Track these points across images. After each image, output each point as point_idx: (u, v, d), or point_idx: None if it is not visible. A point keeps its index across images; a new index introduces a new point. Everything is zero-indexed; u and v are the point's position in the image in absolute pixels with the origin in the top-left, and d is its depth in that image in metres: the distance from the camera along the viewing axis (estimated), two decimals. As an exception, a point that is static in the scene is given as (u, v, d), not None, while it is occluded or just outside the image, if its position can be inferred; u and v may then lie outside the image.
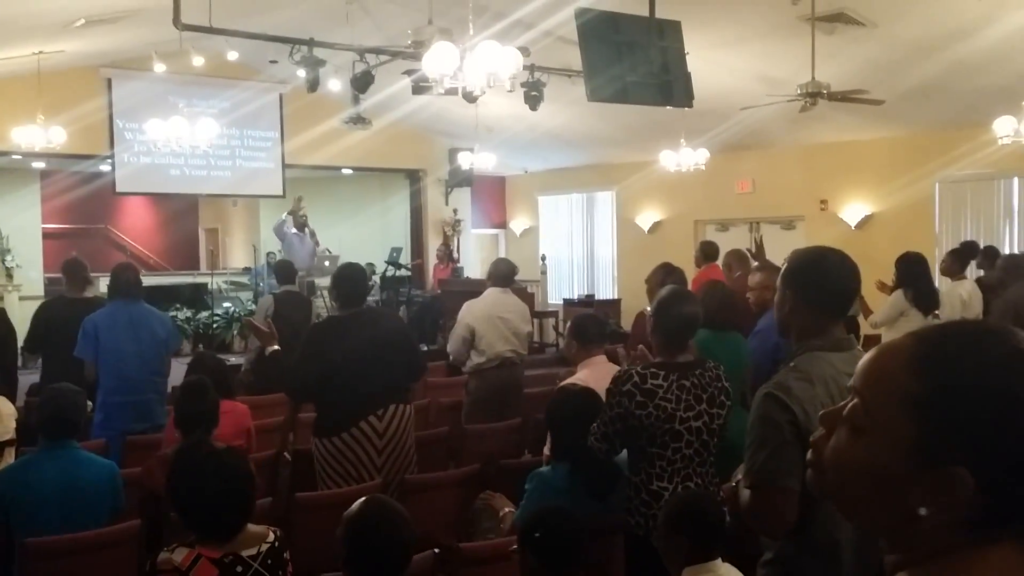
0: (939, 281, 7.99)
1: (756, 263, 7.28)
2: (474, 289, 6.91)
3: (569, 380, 4.33)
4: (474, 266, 16.08)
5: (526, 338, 6.78)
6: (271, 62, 11.51)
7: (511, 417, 6.19)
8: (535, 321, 12.18)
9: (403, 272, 14.20)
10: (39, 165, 14.79)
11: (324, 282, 13.88)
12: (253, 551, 2.75)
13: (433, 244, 15.96)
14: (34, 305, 7.39)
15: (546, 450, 4.34)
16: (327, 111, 12.37)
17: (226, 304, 14.66)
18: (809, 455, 1.12)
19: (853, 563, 2.25)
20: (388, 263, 13.71)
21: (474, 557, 3.53)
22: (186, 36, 8.38)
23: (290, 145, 13.94)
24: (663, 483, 3.40)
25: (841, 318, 2.49)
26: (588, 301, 13.87)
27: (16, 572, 3.64)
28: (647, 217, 15.15)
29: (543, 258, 16.13)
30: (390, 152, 14.63)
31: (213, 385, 4.45)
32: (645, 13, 7.07)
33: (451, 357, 6.70)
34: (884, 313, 6.86)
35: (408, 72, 8.69)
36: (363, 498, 2.79)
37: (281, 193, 14.24)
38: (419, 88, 8.63)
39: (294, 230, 13.17)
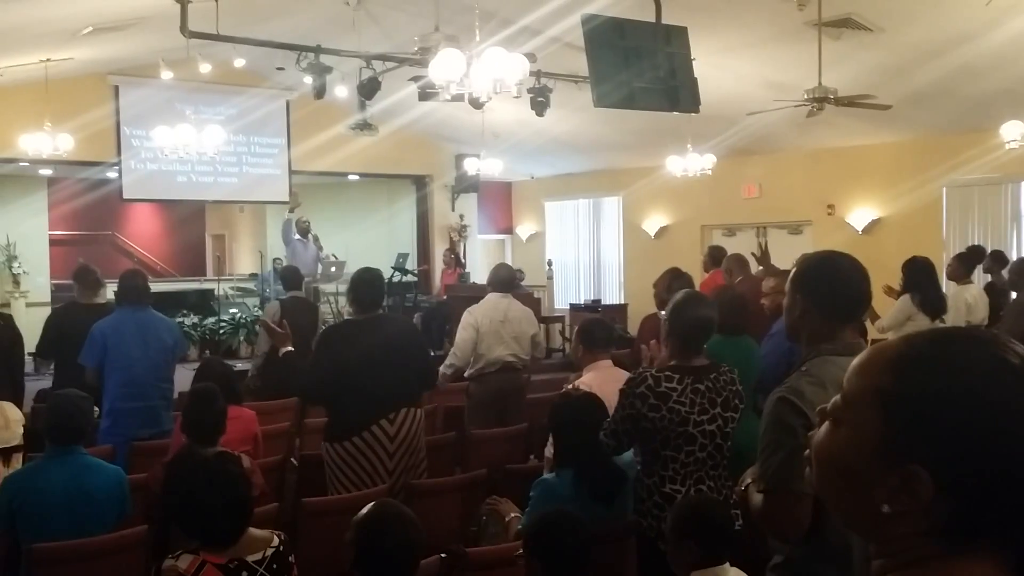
0: (946, 286, 7.96)
1: (761, 267, 7.28)
2: (480, 295, 6.90)
3: (574, 383, 4.32)
4: (480, 272, 16.07)
5: (531, 342, 6.75)
6: (278, 69, 11.53)
7: (512, 422, 6.19)
8: (541, 327, 12.17)
9: (409, 278, 14.19)
10: (46, 172, 14.81)
11: (330, 288, 13.96)
12: (258, 556, 2.75)
13: (439, 250, 15.96)
14: (41, 311, 7.42)
15: (547, 452, 4.34)
16: (334, 117, 12.39)
17: (233, 310, 14.67)
18: (806, 451, 1.13)
19: (862, 566, 2.23)
20: (394, 269, 13.72)
21: (481, 562, 3.52)
22: (193, 43, 8.40)
23: (297, 151, 13.96)
24: (676, 486, 3.41)
25: (851, 322, 2.48)
26: (595, 306, 13.87)
27: (23, 577, 3.64)
28: (654, 222, 15.14)
29: (549, 263, 16.12)
30: (396, 158, 14.64)
31: (220, 391, 4.45)
32: (652, 19, 7.08)
33: (455, 365, 6.63)
34: (891, 318, 6.84)
35: (415, 78, 8.69)
36: (373, 502, 2.79)
37: (287, 199, 14.27)
38: (425, 94, 8.64)
39: (297, 236, 13.19)
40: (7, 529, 3.84)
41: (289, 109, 13.80)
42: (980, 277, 8.88)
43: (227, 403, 4.46)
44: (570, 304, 15.01)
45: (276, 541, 2.84)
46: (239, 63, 10.60)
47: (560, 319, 14.48)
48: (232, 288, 16.14)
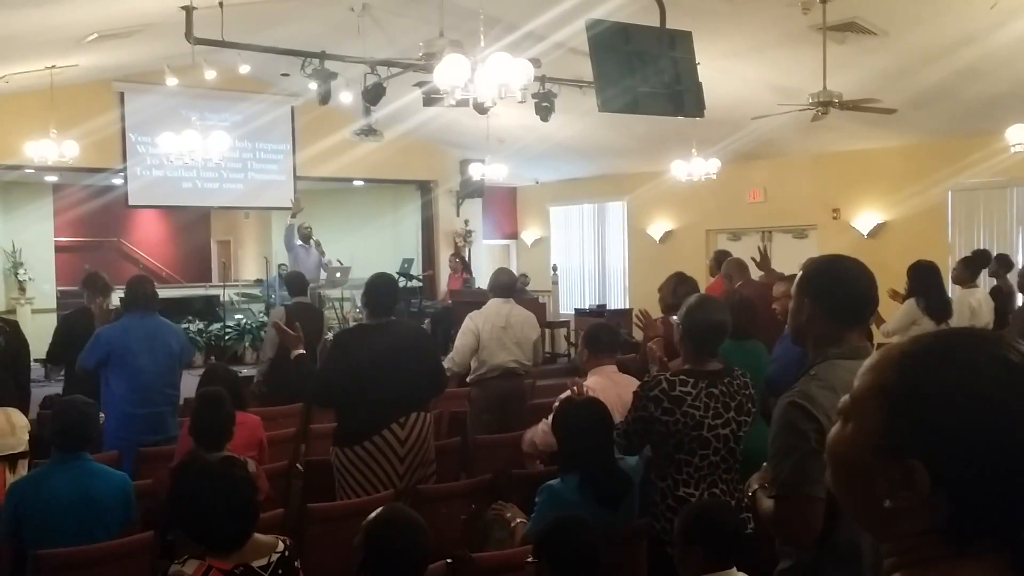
0: (951, 290, 7.94)
1: (763, 272, 7.27)
2: (484, 300, 6.89)
3: (575, 387, 4.31)
4: (485, 277, 16.05)
5: (533, 346, 6.74)
6: (283, 75, 11.57)
7: (514, 427, 6.18)
8: (546, 332, 12.16)
9: (414, 283, 14.19)
10: (52, 179, 14.87)
11: (335, 294, 13.96)
12: (263, 561, 2.75)
13: (444, 255, 15.97)
14: (46, 318, 7.44)
15: (528, 435, 4.57)
16: (338, 123, 12.41)
17: (238, 316, 14.70)
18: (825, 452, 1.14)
19: (873, 570, 2.22)
20: (399, 274, 13.71)
21: (486, 567, 3.51)
22: (198, 50, 8.43)
23: (301, 157, 14.00)
24: (689, 489, 3.41)
25: (857, 326, 2.47)
26: (599, 311, 13.86)
27: (29, 584, 3.63)
28: (658, 227, 15.13)
29: (554, 268, 16.12)
30: (401, 163, 14.66)
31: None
32: (656, 24, 7.07)
33: (451, 370, 6.62)
34: (896, 322, 6.82)
35: (419, 84, 8.70)
36: (382, 506, 2.79)
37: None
38: (430, 100, 8.64)
39: (299, 242, 13.20)
40: (13, 535, 3.84)
41: (294, 115, 13.84)
42: (985, 281, 8.86)
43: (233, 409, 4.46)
44: (575, 309, 15.00)
45: (282, 547, 2.83)
46: (244, 69, 10.63)
47: (565, 324, 14.47)
48: (237, 294, 16.18)
